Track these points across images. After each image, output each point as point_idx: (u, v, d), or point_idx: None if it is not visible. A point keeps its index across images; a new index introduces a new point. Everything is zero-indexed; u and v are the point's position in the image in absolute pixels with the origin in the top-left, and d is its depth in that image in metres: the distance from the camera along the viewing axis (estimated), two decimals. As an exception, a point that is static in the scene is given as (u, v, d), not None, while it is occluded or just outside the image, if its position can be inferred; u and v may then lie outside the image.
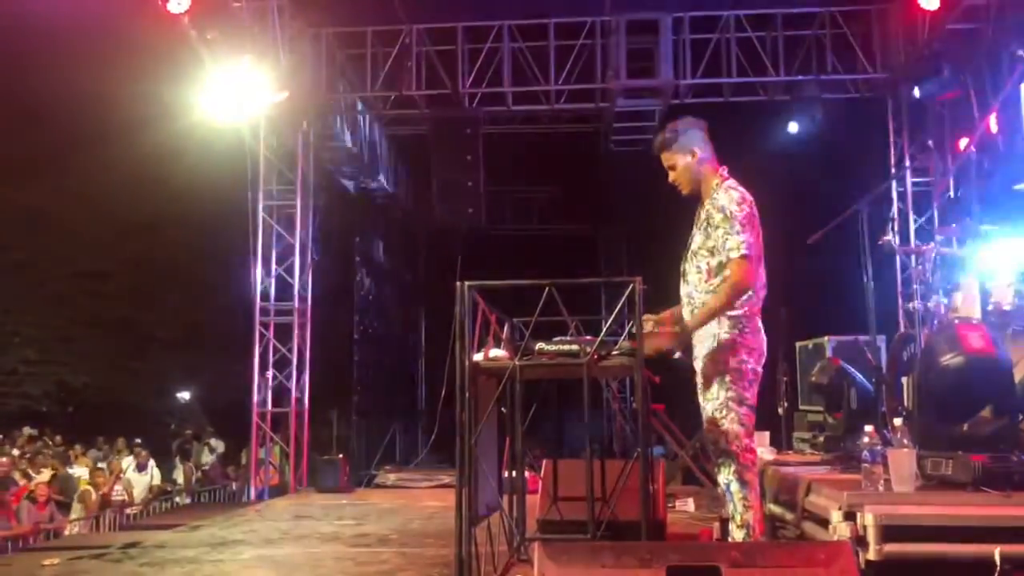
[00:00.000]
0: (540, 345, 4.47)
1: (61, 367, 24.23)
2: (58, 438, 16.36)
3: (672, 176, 4.28)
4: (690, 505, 7.52)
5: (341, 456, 10.20)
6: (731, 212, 3.93)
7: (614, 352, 4.26)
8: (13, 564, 6.65)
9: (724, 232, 3.93)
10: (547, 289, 4.35)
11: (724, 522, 5.37)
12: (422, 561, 5.78)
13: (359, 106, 11.52)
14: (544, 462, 5.98)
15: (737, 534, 3.87)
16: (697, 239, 4.14)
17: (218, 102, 9.82)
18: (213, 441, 16.36)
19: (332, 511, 8.42)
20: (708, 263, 4.04)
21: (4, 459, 11.02)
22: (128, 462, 13.14)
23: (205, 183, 17.53)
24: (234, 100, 9.83)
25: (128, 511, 11.77)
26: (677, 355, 4.15)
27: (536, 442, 5.86)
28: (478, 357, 4.54)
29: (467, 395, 4.40)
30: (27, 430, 17.49)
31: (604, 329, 4.19)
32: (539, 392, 5.51)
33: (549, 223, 14.30)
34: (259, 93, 9.79)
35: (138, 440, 14.60)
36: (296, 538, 6.87)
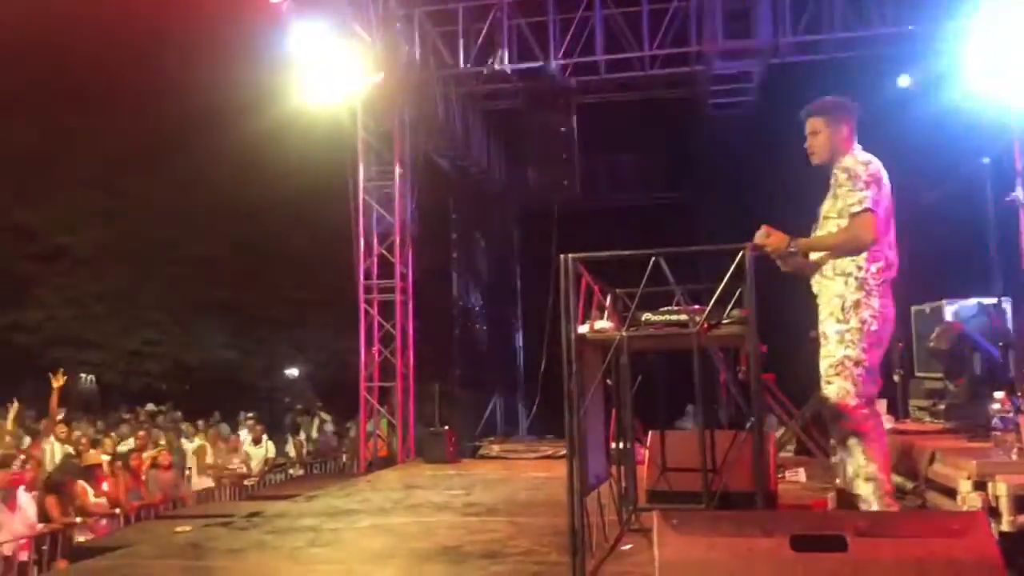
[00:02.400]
0: (647, 316, 4.44)
1: (178, 347, 25.51)
2: (178, 414, 17.22)
3: (811, 141, 4.27)
4: (801, 475, 7.35)
5: (447, 428, 10.41)
6: (855, 171, 3.98)
7: (724, 321, 4.20)
8: (148, 531, 7.11)
9: (848, 190, 3.98)
10: (652, 259, 4.32)
11: (840, 493, 5.24)
12: (532, 530, 5.86)
13: (452, 83, 11.58)
14: (650, 433, 5.96)
15: (863, 488, 3.81)
16: (826, 204, 4.18)
17: (316, 87, 10.06)
18: (322, 415, 16.95)
19: (440, 481, 8.63)
20: (838, 225, 4.06)
21: (141, 432, 11.72)
22: (244, 436, 13.76)
23: (306, 167, 18.06)
24: (332, 84, 10.06)
25: (246, 482, 12.35)
26: (793, 249, 4.12)
27: (641, 413, 5.83)
28: (583, 329, 4.54)
29: (574, 367, 4.41)
30: (149, 406, 18.50)
31: (714, 297, 4.13)
32: (643, 363, 5.49)
33: (645, 192, 14.08)
34: (355, 76, 9.98)
35: (252, 415, 15.26)
36: (408, 507, 7.07)
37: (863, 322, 3.92)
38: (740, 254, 3.95)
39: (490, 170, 13.68)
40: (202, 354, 25.53)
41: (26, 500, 7.85)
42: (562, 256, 4.37)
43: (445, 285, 12.73)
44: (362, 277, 11.11)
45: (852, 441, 3.88)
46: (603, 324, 4.51)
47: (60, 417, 10.63)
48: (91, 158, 24.27)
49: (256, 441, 13.52)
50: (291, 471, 13.65)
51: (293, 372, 26.82)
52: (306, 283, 23.36)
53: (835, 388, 3.95)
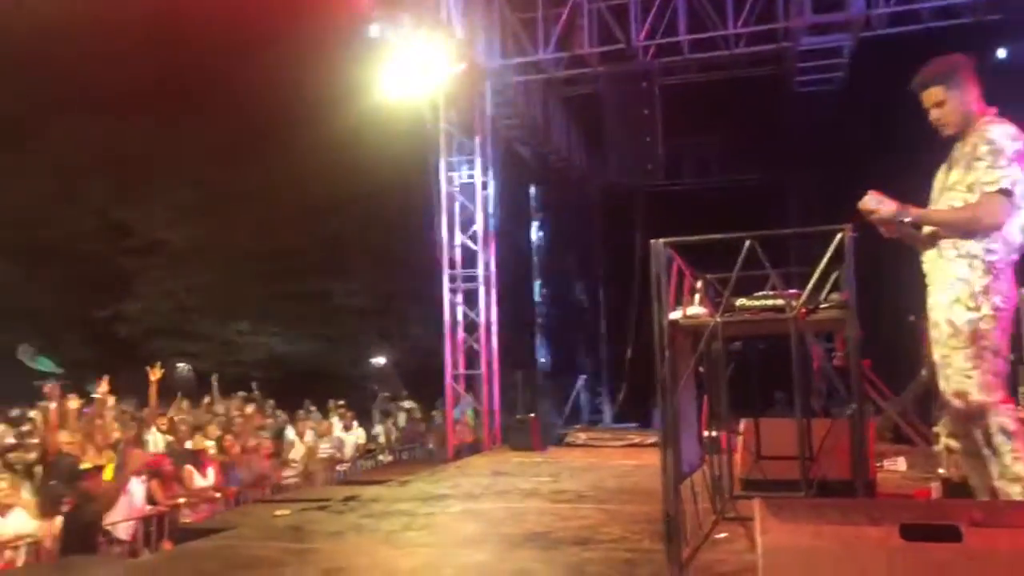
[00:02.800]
0: (741, 301, 4.36)
1: (269, 337, 26.33)
2: (271, 402, 17.75)
3: (936, 114, 3.83)
4: (901, 464, 7.12)
5: (532, 416, 10.46)
6: (1001, 145, 3.59)
7: (822, 305, 4.09)
8: (249, 514, 7.37)
9: (987, 165, 3.58)
10: (747, 243, 4.23)
11: (946, 482, 5.06)
12: (623, 517, 5.84)
13: (533, 70, 11.57)
14: (743, 421, 5.87)
15: (1011, 488, 3.54)
16: (954, 175, 3.78)
17: (398, 80, 10.20)
18: (409, 403, 17.24)
19: (527, 469, 8.68)
20: (965, 199, 3.67)
21: (241, 419, 12.14)
22: (335, 423, 14.11)
23: (389, 159, 18.31)
24: (413, 77, 10.18)
25: (338, 468, 12.67)
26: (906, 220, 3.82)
27: (733, 401, 5.74)
28: (676, 315, 4.49)
29: (667, 354, 4.36)
30: (243, 395, 19.13)
31: (811, 281, 4.02)
32: (735, 350, 5.40)
33: (731, 174, 13.77)
34: (437, 67, 10.07)
35: (342, 403, 15.64)
36: (497, 493, 7.14)
37: (996, 309, 3.54)
38: (839, 236, 3.83)
39: (571, 157, 13.64)
40: (292, 344, 26.28)
41: (134, 484, 8.24)
42: (652, 241, 4.32)
43: (528, 273, 12.76)
44: (446, 267, 11.23)
45: (1000, 439, 3.51)
46: (696, 310, 4.45)
47: (158, 409, 11.07)
48: (184, 155, 25.23)
49: (347, 428, 13.85)
50: (380, 457, 13.91)
51: (379, 361, 27.35)
52: (391, 273, 23.76)
53: (976, 383, 3.56)
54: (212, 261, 26.06)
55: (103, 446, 8.36)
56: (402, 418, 16.10)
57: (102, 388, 8.91)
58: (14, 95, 24.18)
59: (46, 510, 7.14)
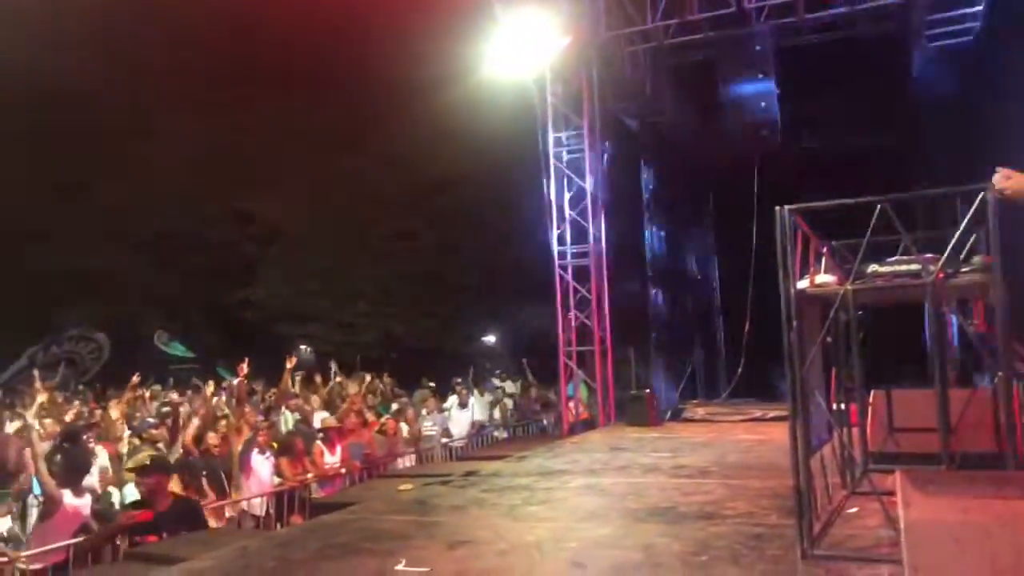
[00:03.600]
0: (873, 267, 4.16)
1: (386, 318, 27.08)
2: (389, 380, 18.19)
3: None
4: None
5: (648, 391, 10.35)
6: None
7: (963, 269, 3.85)
8: (374, 489, 7.60)
9: None
10: (878, 207, 4.03)
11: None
12: (748, 493, 5.72)
13: (640, 40, 11.34)
14: (873, 392, 5.61)
15: None
16: None
17: (505, 56, 10.20)
18: (523, 380, 17.37)
19: (645, 444, 8.62)
20: None
21: (358, 399, 12.53)
22: (451, 400, 14.37)
23: (496, 136, 18.42)
24: (520, 53, 10.16)
25: (454, 444, 12.91)
26: None
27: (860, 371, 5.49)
28: (803, 284, 4.33)
29: (794, 324, 4.22)
30: (363, 374, 19.72)
31: (950, 244, 3.79)
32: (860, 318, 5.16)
33: (852, 138, 13.09)
34: (544, 42, 10.00)
35: (458, 380, 15.91)
36: (617, 469, 7.12)
37: None
38: (980, 197, 3.60)
39: (680, 126, 13.31)
40: (408, 324, 26.93)
41: (259, 462, 8.62)
42: (778, 208, 4.17)
43: (639, 247, 12.57)
44: (555, 243, 11.21)
45: None
46: (824, 278, 4.27)
47: (291, 391, 11.53)
48: (300, 143, 26.15)
49: (462, 405, 14.07)
50: (495, 433, 14.09)
51: (491, 339, 27.71)
52: (501, 251, 23.96)
53: None
54: (329, 245, 26.99)
55: (243, 427, 8.78)
56: (516, 395, 16.23)
57: (242, 371, 9.35)
58: (140, 92, 25.63)
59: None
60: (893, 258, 4.17)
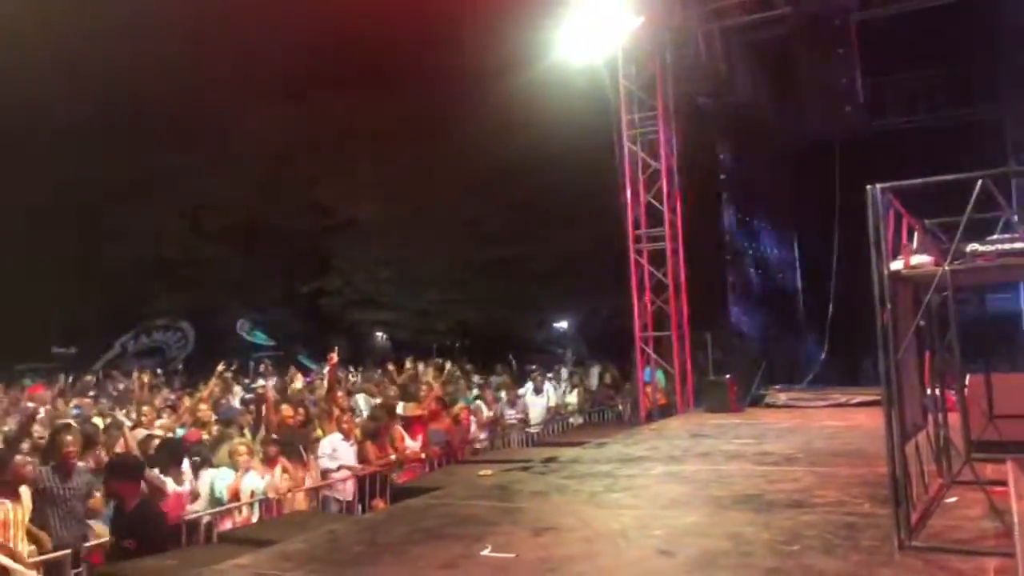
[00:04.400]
0: (973, 246, 3.98)
1: (459, 305, 27.28)
2: (468, 366, 18.29)
3: None
4: None
5: (728, 377, 10.17)
6: None
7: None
8: (456, 473, 7.67)
9: None
10: (979, 183, 3.84)
11: None
12: (838, 480, 5.57)
13: (714, 18, 11.08)
14: (970, 377, 5.39)
15: None
16: None
17: (577, 40, 10.10)
18: (598, 365, 17.30)
19: (727, 430, 8.47)
20: None
21: (436, 386, 12.67)
22: (527, 386, 14.40)
23: (567, 121, 18.30)
24: (592, 36, 10.05)
25: (529, 430, 12.93)
26: None
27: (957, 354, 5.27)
28: (896, 265, 4.17)
29: (887, 307, 4.06)
30: (438, 361, 19.93)
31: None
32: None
33: (940, 111, 12.54)
34: (616, 24, 9.87)
35: (533, 367, 15.93)
36: (699, 455, 7.02)
37: None
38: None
39: (757, 105, 12.98)
40: (480, 311, 27.07)
41: (344, 447, 8.79)
42: (870, 187, 4.02)
43: (716, 230, 12.33)
44: (631, 227, 11.08)
45: None
46: (920, 259, 4.11)
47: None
48: (373, 133, 26.50)
49: (538, 391, 14.08)
50: (571, 420, 14.07)
51: (564, 325, 27.66)
52: (573, 236, 23.86)
53: None
54: (403, 234, 27.31)
55: (335, 412, 9.00)
56: (591, 381, 16.17)
57: (333, 360, 9.55)
58: (219, 86, 26.31)
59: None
60: (995, 236, 3.98)
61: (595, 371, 16.74)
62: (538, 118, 20.45)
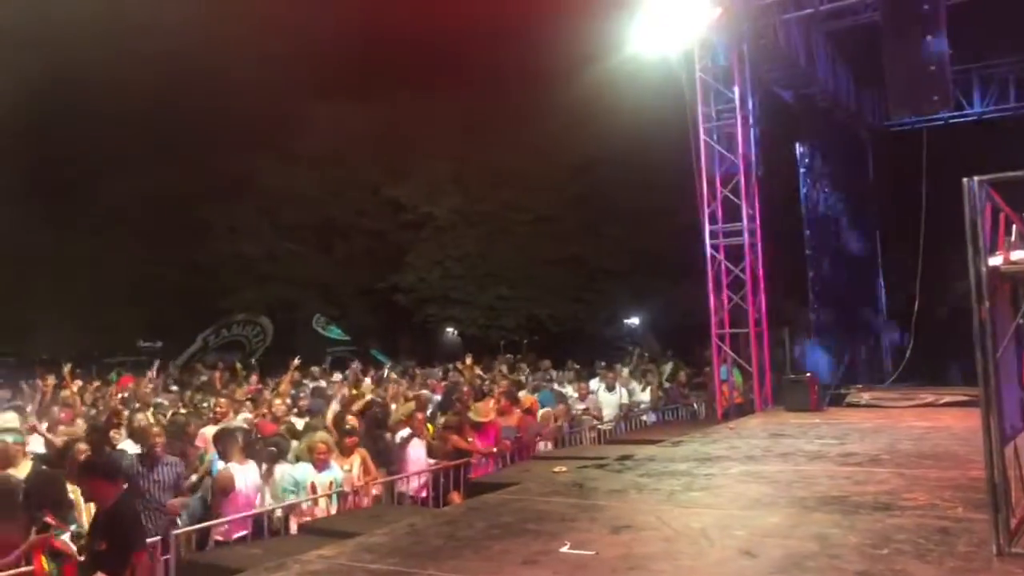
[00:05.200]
0: (1079, 240, 3.78)
1: (528, 302, 27.31)
2: (545, 362, 18.21)
3: None
4: None
5: (809, 375, 9.92)
6: None
7: None
8: (530, 470, 7.68)
9: None
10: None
11: None
12: (927, 483, 5.38)
13: (793, 7, 10.79)
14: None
15: None
16: None
17: (651, 33, 9.98)
18: (669, 363, 17.08)
19: (808, 430, 8.27)
20: None
21: (505, 381, 12.71)
22: (596, 383, 14.30)
23: (640, 115, 18.13)
24: (667, 28, 9.91)
25: (601, 427, 12.84)
26: None
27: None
28: (995, 261, 3.99)
29: (985, 304, 3.90)
30: (506, 357, 19.98)
31: None
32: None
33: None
34: (693, 16, 9.71)
35: (604, 364, 15.81)
36: (780, 455, 6.86)
37: None
38: None
39: (838, 96, 12.62)
40: (550, 307, 27.04)
41: (415, 443, 8.90)
42: (966, 180, 3.85)
43: (795, 224, 12.04)
44: (707, 222, 10.89)
45: None
46: (1021, 254, 3.93)
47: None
48: (442, 131, 26.73)
49: (609, 388, 13.97)
50: (643, 417, 13.94)
51: (634, 321, 27.42)
52: (644, 232, 23.63)
53: None
54: (474, 231, 27.49)
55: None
56: (663, 378, 15.99)
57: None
58: (296, 86, 26.91)
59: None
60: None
61: (668, 368, 16.51)
62: (612, 113, 20.31)
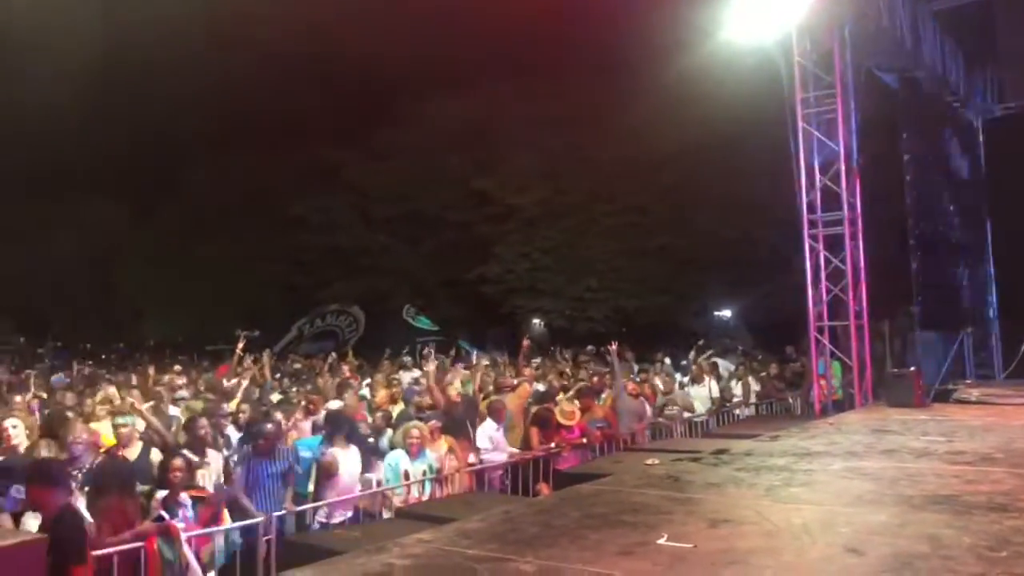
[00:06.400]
0: None
1: (616, 293, 27.10)
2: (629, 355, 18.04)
3: None
4: None
5: (912, 369, 9.53)
6: None
7: None
8: (623, 461, 7.64)
9: None
10: None
11: None
12: (1047, 485, 5.09)
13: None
14: None
15: None
16: None
17: (746, 18, 9.73)
18: (760, 357, 16.69)
19: (913, 427, 7.94)
20: None
21: (601, 374, 12.65)
22: (685, 376, 14.09)
23: (731, 103, 17.75)
24: (763, 13, 9.64)
25: (693, 420, 12.62)
26: None
27: None
28: None
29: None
30: (590, 348, 19.87)
31: None
32: None
33: None
34: (792, 1, 9.42)
35: (691, 356, 15.57)
36: (883, 452, 6.62)
37: None
38: None
39: (945, 80, 12.03)
40: (638, 299, 26.77)
41: (497, 435, 8.95)
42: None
43: (898, 213, 11.55)
44: (805, 211, 10.56)
45: None
46: None
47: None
48: (528, 123, 26.78)
49: (698, 381, 13.75)
50: (736, 411, 13.66)
51: (725, 314, 26.89)
52: (737, 222, 23.13)
53: None
54: (561, 222, 27.44)
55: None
56: (756, 372, 15.63)
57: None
58: (385, 82, 27.39)
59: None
60: None
61: (759, 362, 16.16)
62: (704, 101, 19.94)
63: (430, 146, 28.29)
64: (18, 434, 6.63)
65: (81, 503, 5.45)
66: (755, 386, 13.99)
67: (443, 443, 7.94)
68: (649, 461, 6.99)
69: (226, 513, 6.08)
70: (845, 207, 10.26)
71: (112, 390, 9.56)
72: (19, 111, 24.73)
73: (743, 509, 4.88)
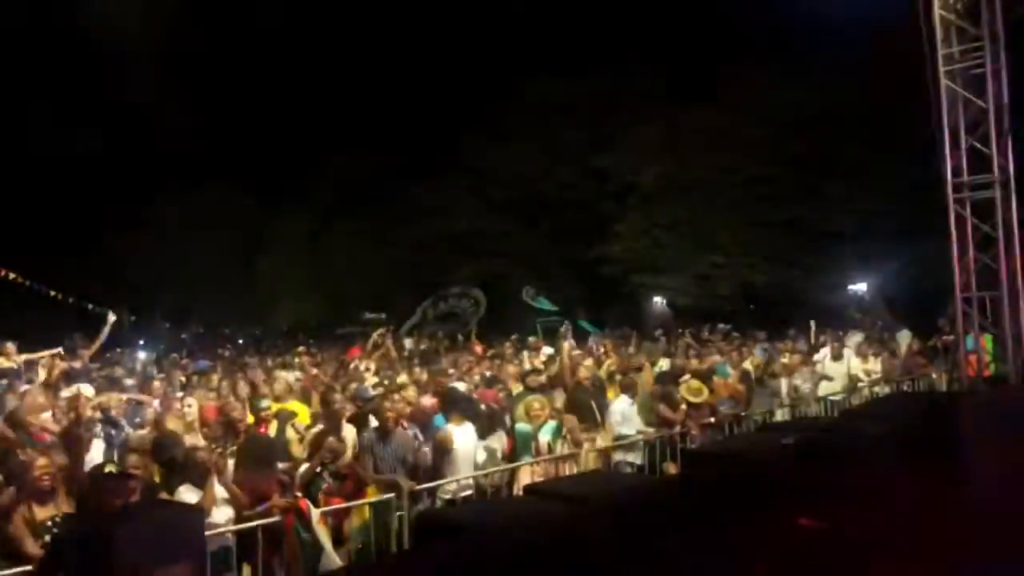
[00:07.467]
0: None
1: (742, 268, 26.25)
2: (761, 333, 17.47)
3: None
4: None
5: (1080, 342, 8.76)
6: None
7: None
8: (750, 441, 7.35)
9: None
10: None
11: None
12: None
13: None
14: None
15: None
16: None
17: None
18: (903, 330, 15.82)
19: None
20: None
21: (723, 354, 12.36)
22: (823, 352, 13.53)
23: (865, 62, 16.82)
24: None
25: (831, 398, 12.13)
26: None
27: None
28: None
29: None
30: (721, 326, 19.35)
31: None
32: None
33: None
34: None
35: (828, 331, 14.94)
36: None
37: None
38: None
39: (1112, 24, 10.92)
40: (766, 274, 25.89)
41: (632, 412, 8.84)
42: None
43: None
44: (950, 175, 9.86)
45: None
46: None
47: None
48: (646, 97, 26.26)
49: (836, 357, 13.19)
50: (875, 389, 13.03)
51: (860, 287, 25.62)
52: (871, 190, 21.97)
53: None
54: (683, 197, 26.80)
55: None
56: (900, 348, 14.85)
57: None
58: (501, 63, 27.45)
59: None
60: None
61: (903, 336, 15.33)
62: (834, 63, 18.99)
63: (550, 127, 28.27)
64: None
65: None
66: (894, 361, 13.32)
67: (564, 421, 7.93)
68: (786, 441, 6.71)
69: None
70: (996, 169, 9.51)
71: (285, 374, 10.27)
72: (164, 107, 26.44)
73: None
